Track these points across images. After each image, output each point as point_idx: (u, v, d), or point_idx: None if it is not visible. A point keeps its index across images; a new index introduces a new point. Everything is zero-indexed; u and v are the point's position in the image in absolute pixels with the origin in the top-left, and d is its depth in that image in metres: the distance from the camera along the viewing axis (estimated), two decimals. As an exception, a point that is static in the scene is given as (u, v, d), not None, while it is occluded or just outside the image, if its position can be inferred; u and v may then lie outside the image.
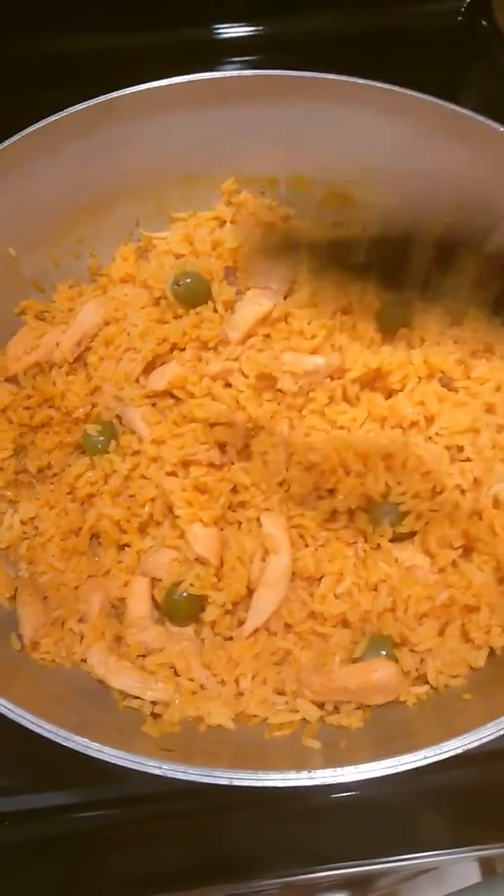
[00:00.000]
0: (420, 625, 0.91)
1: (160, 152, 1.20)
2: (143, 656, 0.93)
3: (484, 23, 1.66)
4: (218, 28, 1.63)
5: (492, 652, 0.91)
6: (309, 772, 0.72)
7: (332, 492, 0.99)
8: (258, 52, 1.60)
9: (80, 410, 1.08)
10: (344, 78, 1.14)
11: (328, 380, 1.03)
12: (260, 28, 1.63)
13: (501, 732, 0.74)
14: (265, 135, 1.20)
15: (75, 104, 1.11)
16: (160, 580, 0.97)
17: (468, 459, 0.98)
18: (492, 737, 0.73)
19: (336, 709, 0.90)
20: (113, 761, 0.72)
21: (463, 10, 1.67)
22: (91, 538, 1.03)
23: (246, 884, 0.90)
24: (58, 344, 1.12)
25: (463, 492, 0.96)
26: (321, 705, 0.89)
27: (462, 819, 0.93)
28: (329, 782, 0.71)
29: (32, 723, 0.74)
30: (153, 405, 1.06)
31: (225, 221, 1.22)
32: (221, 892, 0.91)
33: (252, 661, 0.92)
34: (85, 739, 0.73)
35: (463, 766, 0.89)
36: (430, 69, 1.56)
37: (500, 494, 0.95)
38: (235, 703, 0.90)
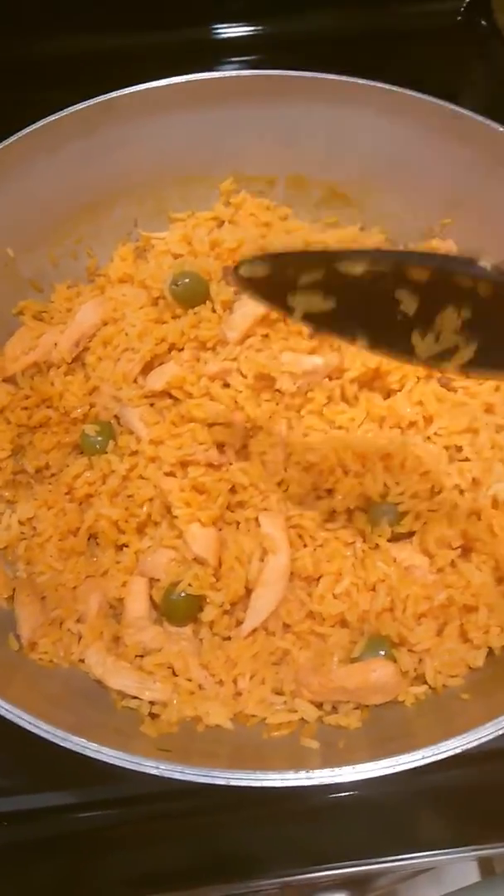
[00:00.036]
0: (418, 625, 0.91)
1: (159, 152, 1.20)
2: (142, 656, 0.93)
3: (483, 22, 1.67)
4: (217, 28, 1.63)
5: (490, 652, 0.91)
6: (307, 772, 0.72)
7: (330, 492, 0.99)
8: (257, 52, 1.60)
9: (79, 411, 1.08)
10: (342, 78, 1.14)
11: (326, 380, 1.03)
12: (259, 28, 1.63)
13: (500, 732, 0.74)
14: (264, 135, 1.20)
15: (74, 104, 1.11)
16: (158, 580, 0.97)
17: (467, 459, 0.98)
18: (490, 737, 0.73)
19: (334, 709, 0.90)
20: (111, 761, 0.72)
21: (462, 10, 1.67)
22: (89, 538, 1.03)
23: (245, 884, 0.90)
24: (56, 344, 1.12)
25: (461, 492, 0.96)
26: (319, 705, 0.89)
27: (461, 819, 0.93)
28: (327, 782, 0.71)
29: (30, 723, 0.74)
30: (151, 405, 1.06)
31: (223, 221, 1.22)
32: (220, 892, 0.91)
33: (250, 661, 0.91)
34: (83, 739, 0.73)
35: (462, 765, 0.89)
36: (430, 69, 1.56)
37: (498, 494, 0.95)
38: (234, 703, 0.90)
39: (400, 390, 1.01)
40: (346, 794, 0.91)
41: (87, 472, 1.04)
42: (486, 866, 1.26)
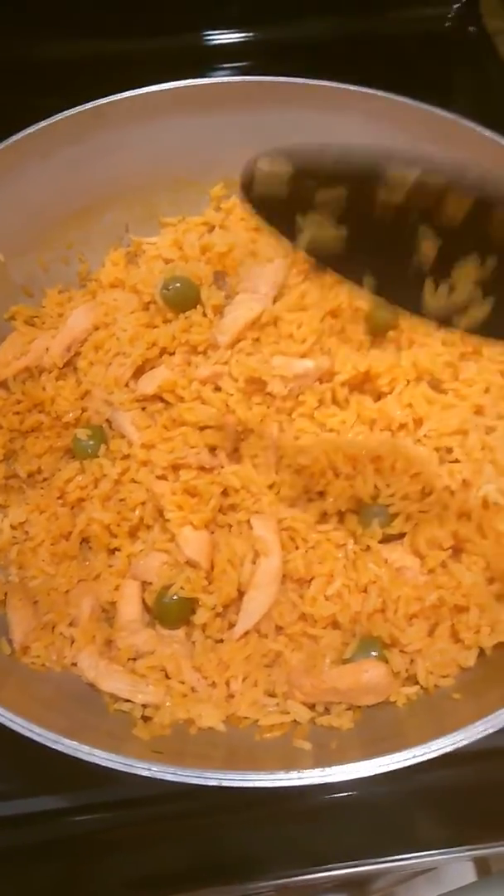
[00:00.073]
0: (410, 625, 0.92)
1: (150, 158, 1.21)
2: (134, 659, 0.94)
3: (472, 28, 1.68)
4: (209, 34, 1.64)
5: (481, 652, 0.91)
6: (298, 772, 0.72)
7: (322, 494, 0.99)
8: (249, 59, 1.61)
9: (70, 415, 1.08)
10: (332, 84, 1.15)
11: (317, 383, 1.03)
12: (251, 34, 1.64)
13: (491, 731, 0.74)
14: (254, 140, 1.19)
15: (66, 110, 1.11)
16: (151, 583, 0.97)
17: (457, 461, 0.98)
18: (481, 735, 0.73)
19: (327, 710, 0.90)
20: (103, 764, 0.72)
21: (451, 15, 1.68)
22: (81, 542, 1.03)
23: (243, 885, 0.90)
24: (47, 349, 1.12)
25: (452, 493, 0.97)
26: (312, 706, 0.90)
27: (458, 819, 0.94)
28: (318, 782, 0.72)
29: (23, 727, 0.74)
30: (143, 409, 1.06)
31: (214, 226, 1.22)
32: (219, 894, 0.91)
33: (243, 664, 0.92)
34: (75, 742, 0.73)
35: (458, 765, 0.89)
36: (419, 75, 1.58)
37: (488, 495, 0.96)
38: (226, 705, 0.90)
39: (390, 393, 1.02)
40: (344, 794, 0.91)
41: (79, 477, 1.04)
42: (482, 866, 1.26)
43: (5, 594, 0.99)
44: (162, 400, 1.05)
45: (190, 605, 0.95)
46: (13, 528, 1.04)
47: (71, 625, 0.96)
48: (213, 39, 1.64)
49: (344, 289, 0.71)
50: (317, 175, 0.64)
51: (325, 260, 0.68)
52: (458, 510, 0.96)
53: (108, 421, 1.07)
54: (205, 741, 0.86)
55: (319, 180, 0.63)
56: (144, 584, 0.98)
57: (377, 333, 1.06)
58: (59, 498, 1.04)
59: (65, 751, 0.73)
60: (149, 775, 0.71)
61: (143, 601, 0.97)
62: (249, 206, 0.68)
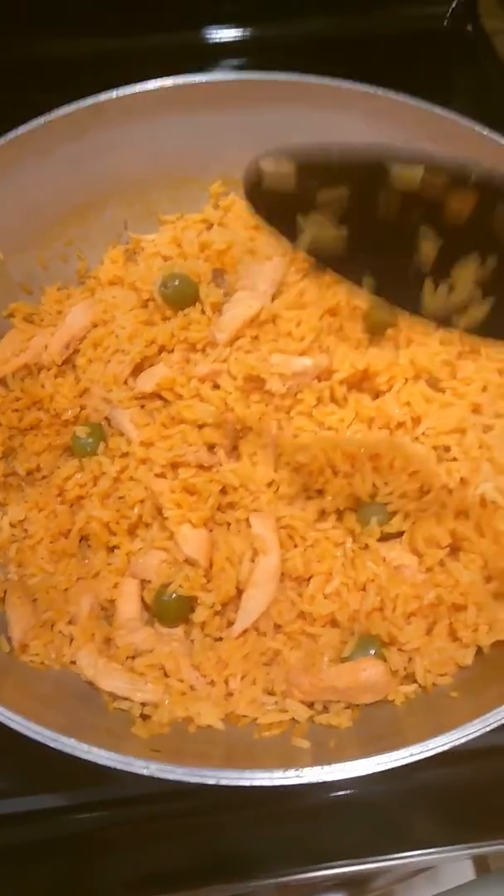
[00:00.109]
0: (408, 624, 0.92)
1: (149, 155, 1.20)
2: (133, 658, 0.94)
3: (470, 27, 1.68)
4: (209, 31, 1.64)
5: (479, 650, 0.91)
6: (296, 770, 0.72)
7: (320, 492, 0.99)
8: (248, 56, 1.61)
9: (69, 413, 1.08)
10: (330, 81, 1.14)
11: (316, 381, 1.03)
12: (250, 31, 1.64)
13: (488, 729, 0.74)
14: (253, 137, 1.19)
15: (65, 106, 1.11)
16: (149, 582, 0.97)
17: (455, 459, 0.99)
18: (478, 733, 0.74)
19: (325, 708, 0.90)
20: (101, 762, 0.72)
21: (449, 14, 1.68)
22: (80, 540, 1.03)
23: (243, 884, 0.90)
24: (46, 346, 1.11)
25: (450, 491, 0.97)
26: (310, 705, 0.90)
27: (456, 817, 0.94)
28: (316, 780, 0.72)
29: (21, 725, 0.74)
30: (142, 407, 1.06)
31: (213, 224, 1.22)
32: (219, 892, 0.91)
33: (241, 662, 0.92)
34: (73, 741, 0.73)
35: (457, 763, 0.90)
36: (417, 73, 1.57)
37: (486, 494, 0.96)
38: (225, 703, 0.90)
39: (388, 391, 1.02)
40: (343, 793, 0.91)
41: (77, 474, 1.04)
42: (480, 864, 1.27)
43: (4, 592, 0.99)
44: (161, 398, 1.05)
45: (189, 604, 0.95)
46: (12, 525, 1.04)
47: (70, 623, 0.96)
48: (213, 37, 1.63)
49: (343, 287, 0.71)
50: (319, 174, 0.63)
51: (325, 260, 0.68)
52: (456, 508, 0.96)
53: (106, 419, 1.07)
54: (203, 739, 0.86)
55: (321, 180, 0.63)
56: (143, 583, 0.98)
57: (375, 332, 1.06)
58: (58, 496, 1.04)
59: (64, 749, 0.73)
60: (147, 774, 0.72)
61: (142, 599, 0.97)
62: (251, 205, 0.68)
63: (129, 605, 0.96)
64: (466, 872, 1.24)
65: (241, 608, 0.93)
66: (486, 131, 1.08)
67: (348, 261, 0.67)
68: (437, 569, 0.95)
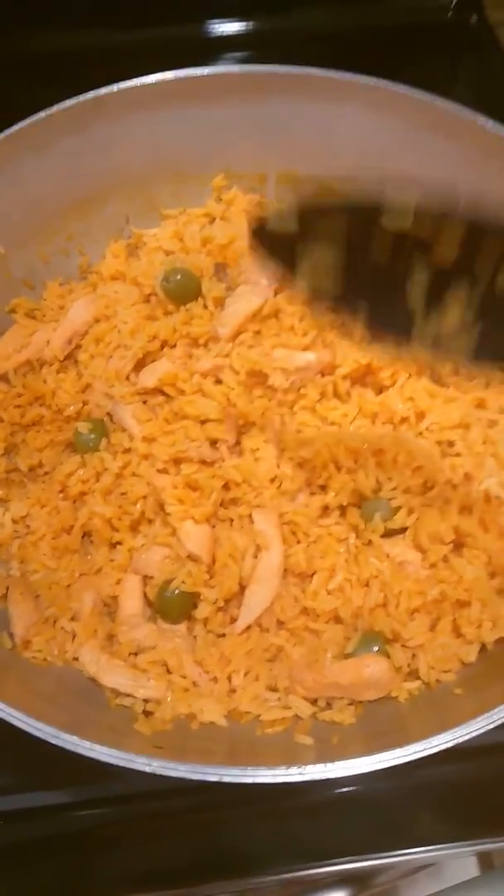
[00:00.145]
0: (411, 620, 0.91)
1: (151, 148, 1.20)
2: (135, 654, 0.93)
3: (474, 19, 1.66)
4: (210, 24, 1.63)
5: (483, 647, 0.91)
6: (299, 767, 0.72)
7: (323, 488, 0.99)
8: (250, 49, 1.60)
9: (71, 408, 1.08)
10: (332, 73, 1.13)
11: (319, 376, 1.03)
12: (251, 24, 1.63)
13: (492, 726, 0.74)
14: (255, 131, 1.20)
15: (66, 100, 1.11)
16: (152, 578, 0.97)
17: (459, 454, 0.98)
18: (482, 731, 0.73)
19: (328, 705, 0.90)
20: (103, 759, 0.72)
21: (453, 5, 1.67)
22: (83, 536, 1.02)
23: (245, 881, 0.90)
24: (48, 342, 1.11)
25: (454, 487, 0.96)
26: (313, 701, 0.90)
27: (460, 814, 0.94)
28: (318, 778, 0.71)
29: (23, 722, 0.74)
30: (144, 402, 1.05)
31: (215, 218, 1.21)
32: (221, 889, 0.91)
33: (244, 658, 0.91)
34: (75, 738, 0.73)
35: (461, 760, 0.90)
36: (421, 65, 1.57)
37: (490, 489, 0.95)
38: (228, 700, 0.90)
39: (392, 386, 1.01)
40: (346, 790, 0.91)
41: (80, 470, 1.03)
42: (485, 861, 1.26)
43: (7, 588, 0.99)
44: (163, 393, 1.05)
45: (191, 600, 0.94)
46: (14, 522, 1.04)
47: (72, 619, 0.96)
48: (214, 30, 1.62)
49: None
50: (320, 225, 0.68)
51: (322, 295, 0.73)
52: (459, 504, 0.96)
53: (109, 414, 1.07)
54: (206, 736, 0.86)
55: (322, 229, 0.68)
56: (146, 579, 0.98)
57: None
58: (60, 492, 1.04)
59: (66, 746, 0.73)
60: (149, 770, 0.71)
61: (145, 595, 0.97)
62: (253, 244, 0.73)
63: (131, 602, 0.96)
64: (470, 869, 1.24)
65: (243, 604, 0.93)
66: (489, 123, 1.07)
67: (343, 291, 0.72)
68: (440, 565, 0.94)
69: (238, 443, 1.01)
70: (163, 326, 1.07)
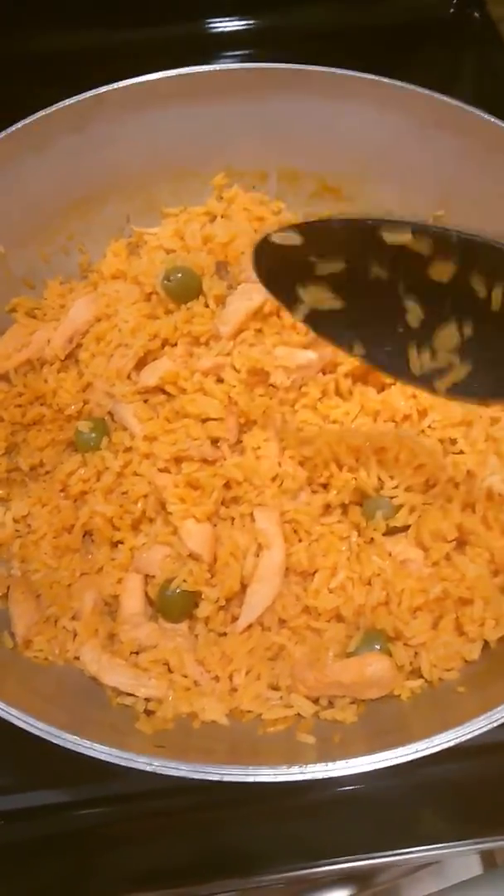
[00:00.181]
0: (414, 618, 0.91)
1: (151, 147, 1.20)
2: (137, 653, 0.93)
3: (476, 14, 1.66)
4: (211, 22, 1.63)
5: (486, 645, 0.91)
6: (300, 766, 0.72)
7: (325, 486, 0.99)
8: (251, 47, 1.60)
9: (72, 407, 1.08)
10: (334, 70, 1.13)
11: (320, 374, 1.02)
12: (252, 22, 1.63)
13: (494, 725, 0.73)
14: (256, 128, 1.20)
15: (65, 99, 1.10)
16: (153, 577, 0.97)
17: (461, 452, 0.98)
18: (484, 729, 0.73)
19: (330, 703, 0.90)
20: (104, 758, 0.72)
21: (455, 1, 1.67)
22: (84, 535, 1.02)
23: (247, 880, 0.90)
24: (49, 341, 1.11)
25: (456, 485, 0.96)
26: (315, 700, 0.89)
27: (462, 812, 0.94)
28: (320, 777, 0.71)
29: (24, 721, 0.74)
30: (145, 401, 1.05)
31: (216, 216, 1.22)
32: (222, 888, 0.91)
33: (246, 657, 0.91)
34: (76, 737, 0.73)
35: (464, 759, 0.90)
36: (423, 61, 1.57)
37: (493, 486, 0.95)
38: (229, 698, 0.89)
39: (394, 384, 1.01)
40: (349, 788, 0.91)
41: (81, 469, 1.03)
42: (488, 859, 1.26)
43: (7, 588, 0.98)
44: (164, 392, 1.05)
45: (193, 599, 0.94)
46: (16, 521, 1.04)
47: (73, 618, 0.96)
48: (215, 27, 1.63)
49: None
50: (319, 244, 0.71)
51: (320, 326, 0.77)
52: (462, 502, 0.95)
53: (110, 413, 1.07)
54: (208, 735, 0.86)
55: (320, 250, 0.71)
56: (147, 578, 0.98)
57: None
58: (61, 491, 1.04)
59: (67, 745, 0.73)
60: (150, 770, 0.71)
61: (146, 595, 0.97)
62: (259, 275, 0.76)
63: (132, 601, 0.96)
64: (473, 867, 1.24)
65: (245, 603, 0.93)
66: (492, 119, 1.07)
67: (341, 325, 0.76)
68: (443, 563, 0.94)
69: (239, 441, 1.01)
70: (164, 325, 1.07)
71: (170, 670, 0.91)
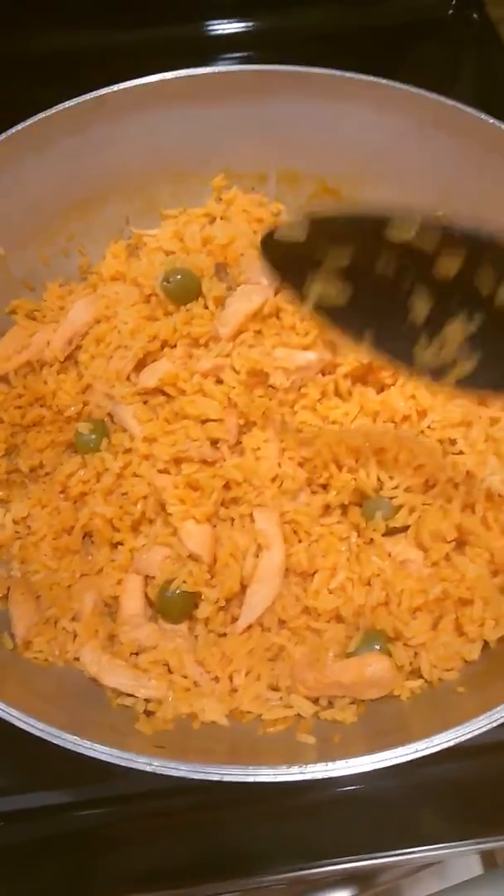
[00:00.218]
0: (413, 619, 0.91)
1: (151, 149, 1.20)
2: (137, 654, 0.93)
3: (475, 16, 1.66)
4: (210, 24, 1.63)
5: (485, 645, 0.91)
6: (300, 766, 0.72)
7: (325, 487, 0.99)
8: (250, 48, 1.60)
9: (72, 409, 1.08)
10: (333, 72, 1.13)
11: (320, 375, 1.03)
12: (251, 24, 1.63)
13: (494, 725, 0.73)
14: (255, 130, 1.20)
15: (65, 101, 1.11)
16: (153, 578, 0.97)
17: (461, 453, 0.98)
18: (484, 729, 0.73)
19: (330, 704, 0.90)
20: (104, 759, 0.72)
21: (454, 3, 1.67)
22: (84, 537, 1.02)
23: (248, 880, 0.90)
24: (48, 343, 1.11)
25: (456, 485, 0.96)
26: (315, 700, 0.89)
27: (463, 812, 0.94)
28: (320, 777, 0.71)
29: (24, 722, 0.74)
30: (144, 403, 1.05)
31: (215, 218, 1.22)
32: (223, 888, 0.91)
33: (246, 658, 0.91)
34: (76, 737, 0.73)
35: (464, 759, 0.90)
36: (422, 62, 1.57)
37: (493, 487, 0.95)
38: (229, 699, 0.90)
39: (393, 385, 1.01)
40: (349, 788, 0.91)
41: (81, 471, 1.03)
42: (488, 859, 1.26)
43: (7, 589, 0.98)
44: (163, 393, 1.05)
45: (192, 600, 0.94)
46: (15, 522, 1.04)
47: (73, 619, 0.96)
48: (215, 29, 1.63)
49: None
50: (327, 233, 0.71)
51: (329, 315, 0.76)
52: (462, 502, 0.95)
53: (109, 415, 1.07)
54: (208, 736, 0.86)
55: (329, 239, 0.71)
56: (147, 579, 0.98)
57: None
58: (61, 492, 1.04)
59: (67, 746, 0.73)
60: (150, 770, 0.71)
61: (146, 595, 0.97)
62: (266, 264, 0.77)
63: (132, 602, 0.96)
64: (474, 867, 1.24)
65: (245, 604, 0.93)
66: (491, 120, 1.07)
67: (350, 317, 0.76)
68: (442, 563, 0.94)
69: (239, 442, 1.01)
70: (163, 326, 1.07)
71: (170, 671, 0.91)
